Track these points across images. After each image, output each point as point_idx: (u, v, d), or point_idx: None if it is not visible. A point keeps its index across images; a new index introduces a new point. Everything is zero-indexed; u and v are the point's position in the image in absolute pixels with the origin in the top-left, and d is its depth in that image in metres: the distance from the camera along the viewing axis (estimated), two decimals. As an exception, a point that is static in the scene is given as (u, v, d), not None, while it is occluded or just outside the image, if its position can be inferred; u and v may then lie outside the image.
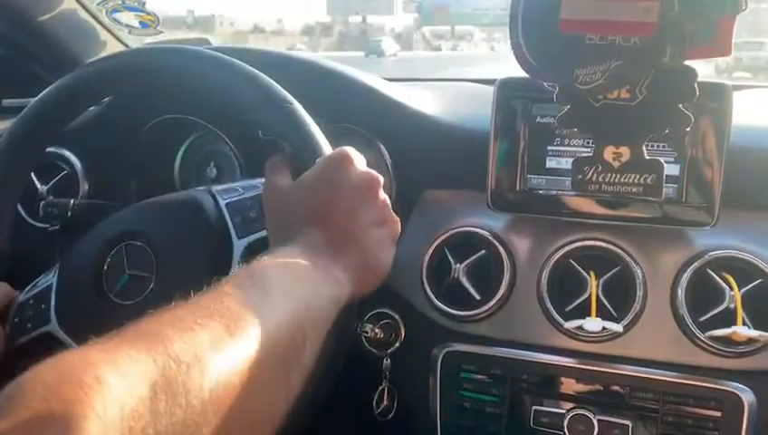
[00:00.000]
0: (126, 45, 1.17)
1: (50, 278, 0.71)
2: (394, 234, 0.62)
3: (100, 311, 0.66)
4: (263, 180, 0.70)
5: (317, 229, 0.55)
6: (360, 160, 0.60)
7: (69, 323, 0.67)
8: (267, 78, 0.64)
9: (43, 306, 0.69)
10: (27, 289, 0.73)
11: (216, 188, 0.71)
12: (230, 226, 0.67)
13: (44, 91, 0.70)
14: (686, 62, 0.64)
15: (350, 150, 0.60)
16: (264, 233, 0.63)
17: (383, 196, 0.61)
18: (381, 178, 0.61)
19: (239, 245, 0.66)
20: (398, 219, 0.63)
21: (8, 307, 0.72)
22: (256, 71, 0.64)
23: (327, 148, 0.62)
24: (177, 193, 0.74)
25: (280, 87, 0.63)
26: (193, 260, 0.66)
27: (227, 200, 0.69)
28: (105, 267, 0.68)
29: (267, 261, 0.49)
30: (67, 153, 1.02)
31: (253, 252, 0.64)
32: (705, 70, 0.65)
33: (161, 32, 1.14)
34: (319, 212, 0.56)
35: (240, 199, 0.69)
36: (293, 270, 0.50)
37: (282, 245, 0.54)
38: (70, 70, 0.71)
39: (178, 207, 0.70)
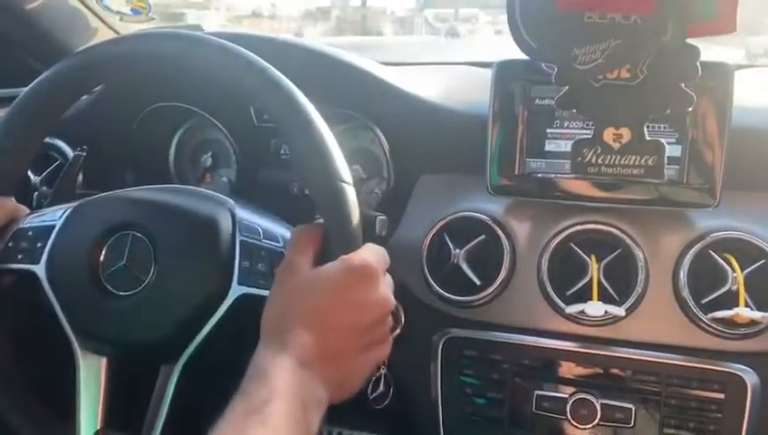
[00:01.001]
0: (117, 33, 1.15)
1: (56, 218, 0.70)
2: (381, 357, 0.61)
3: (86, 285, 0.66)
4: (285, 233, 0.69)
5: (313, 338, 0.54)
6: (382, 272, 0.58)
7: (54, 275, 0.67)
8: (326, 131, 0.60)
9: (38, 244, 0.69)
10: (33, 215, 0.72)
11: (240, 214, 0.68)
12: (236, 267, 0.65)
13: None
14: (689, 41, 0.62)
15: (378, 264, 0.58)
16: (263, 294, 0.61)
17: (389, 320, 0.60)
18: (393, 302, 0.59)
19: (235, 290, 0.64)
20: (391, 342, 0.61)
21: (11, 223, 0.71)
22: (315, 114, 0.60)
23: (358, 245, 0.59)
24: (199, 198, 0.71)
25: (341, 157, 0.60)
26: (187, 278, 0.65)
27: (244, 238, 0.66)
28: (104, 249, 0.67)
29: (273, 403, 0.50)
30: (60, 143, 1.01)
31: (245, 303, 0.64)
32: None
33: (153, 18, 1.12)
34: (321, 320, 0.55)
35: (257, 245, 0.66)
36: (293, 411, 0.51)
37: (276, 341, 0.54)
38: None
39: (194, 218, 0.67)
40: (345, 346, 0.56)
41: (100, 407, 0.67)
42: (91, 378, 0.67)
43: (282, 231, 0.69)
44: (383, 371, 0.84)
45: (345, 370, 0.56)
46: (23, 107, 0.69)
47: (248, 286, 0.64)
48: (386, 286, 0.59)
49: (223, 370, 0.62)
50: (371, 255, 0.58)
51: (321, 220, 0.60)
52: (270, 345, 0.54)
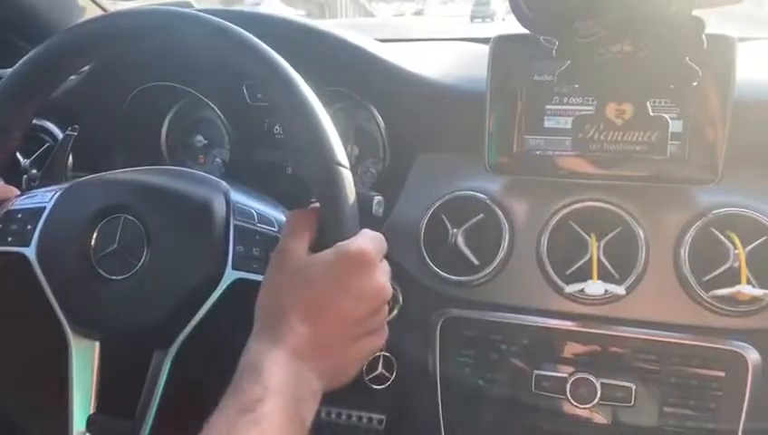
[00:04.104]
0: (105, 11, 1.13)
1: (47, 200, 0.69)
2: (377, 346, 0.59)
3: (77, 269, 0.65)
4: (280, 217, 0.68)
5: (308, 327, 0.53)
6: (379, 259, 0.57)
7: (45, 258, 0.66)
8: (323, 115, 0.58)
9: (29, 227, 0.67)
10: (23, 196, 0.71)
11: (234, 197, 0.67)
12: (230, 251, 0.63)
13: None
14: (694, 12, 0.61)
15: (375, 252, 0.56)
16: (258, 279, 0.59)
17: (386, 309, 0.59)
18: (390, 291, 0.58)
19: (230, 275, 0.63)
20: (387, 331, 0.60)
21: (0, 204, 0.70)
22: (312, 98, 0.58)
23: (355, 231, 0.57)
24: (193, 181, 0.69)
25: (336, 139, 0.58)
26: (181, 263, 0.64)
27: (238, 222, 0.65)
28: (96, 232, 0.66)
29: (266, 402, 0.49)
30: (49, 125, 0.99)
31: (239, 288, 0.62)
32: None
33: (142, -5, 1.10)
34: (316, 310, 0.54)
35: (252, 230, 0.65)
36: (287, 408, 0.50)
37: (269, 331, 0.53)
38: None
39: (187, 201, 0.66)
40: (340, 336, 0.55)
41: (93, 392, 0.66)
42: (83, 362, 0.66)
43: (276, 215, 0.68)
44: (382, 352, 0.84)
45: (339, 359, 0.55)
46: (8, 88, 0.67)
47: (243, 271, 0.63)
48: (383, 274, 0.57)
49: (217, 355, 0.61)
50: (368, 242, 0.56)
51: (317, 204, 0.58)
52: (264, 335, 0.53)
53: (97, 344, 0.67)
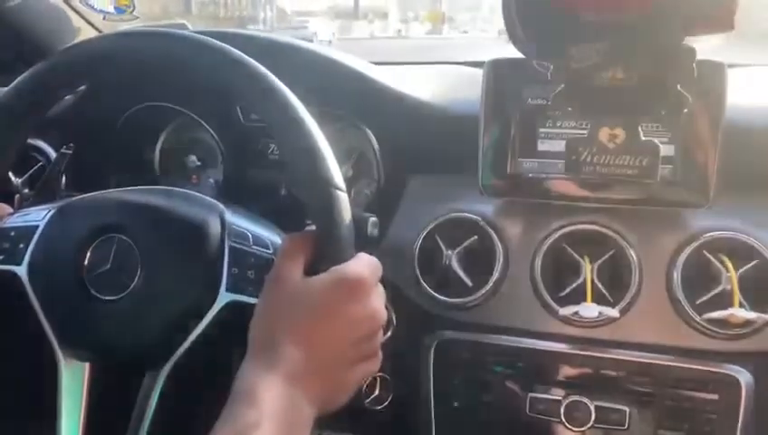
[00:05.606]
0: (100, 32, 1.13)
1: (40, 219, 0.68)
2: (371, 371, 0.59)
3: (69, 289, 0.64)
4: (276, 239, 0.67)
5: (302, 353, 0.52)
6: (374, 284, 0.57)
7: (37, 277, 0.66)
8: (321, 141, 0.58)
9: (21, 245, 0.66)
10: (16, 215, 0.70)
11: (230, 219, 0.66)
12: (225, 273, 0.63)
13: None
14: (685, 40, 0.62)
15: (370, 277, 0.56)
16: (252, 301, 0.59)
17: (380, 334, 0.58)
18: (386, 316, 0.58)
19: (223, 297, 0.62)
20: (381, 356, 0.59)
21: None
22: (308, 118, 0.58)
23: (350, 255, 0.57)
24: (189, 202, 0.69)
25: (333, 162, 0.58)
26: (174, 284, 0.63)
27: (233, 244, 0.64)
28: (89, 252, 0.65)
29: (260, 428, 0.48)
30: (42, 144, 0.99)
31: (233, 310, 0.62)
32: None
33: (137, 17, 1.10)
34: (311, 335, 0.53)
35: (247, 252, 0.65)
36: (279, 432, 0.49)
37: (264, 356, 0.53)
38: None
39: (182, 222, 0.65)
40: (335, 361, 0.54)
41: (83, 414, 0.65)
42: (73, 384, 0.65)
43: (272, 237, 0.68)
44: (379, 374, 0.83)
45: (333, 385, 0.55)
46: (3, 107, 0.67)
47: (237, 293, 0.63)
48: (378, 299, 0.57)
49: (209, 377, 0.60)
50: (364, 267, 0.56)
51: (313, 227, 0.58)
52: (257, 360, 0.53)
53: (87, 365, 0.66)
